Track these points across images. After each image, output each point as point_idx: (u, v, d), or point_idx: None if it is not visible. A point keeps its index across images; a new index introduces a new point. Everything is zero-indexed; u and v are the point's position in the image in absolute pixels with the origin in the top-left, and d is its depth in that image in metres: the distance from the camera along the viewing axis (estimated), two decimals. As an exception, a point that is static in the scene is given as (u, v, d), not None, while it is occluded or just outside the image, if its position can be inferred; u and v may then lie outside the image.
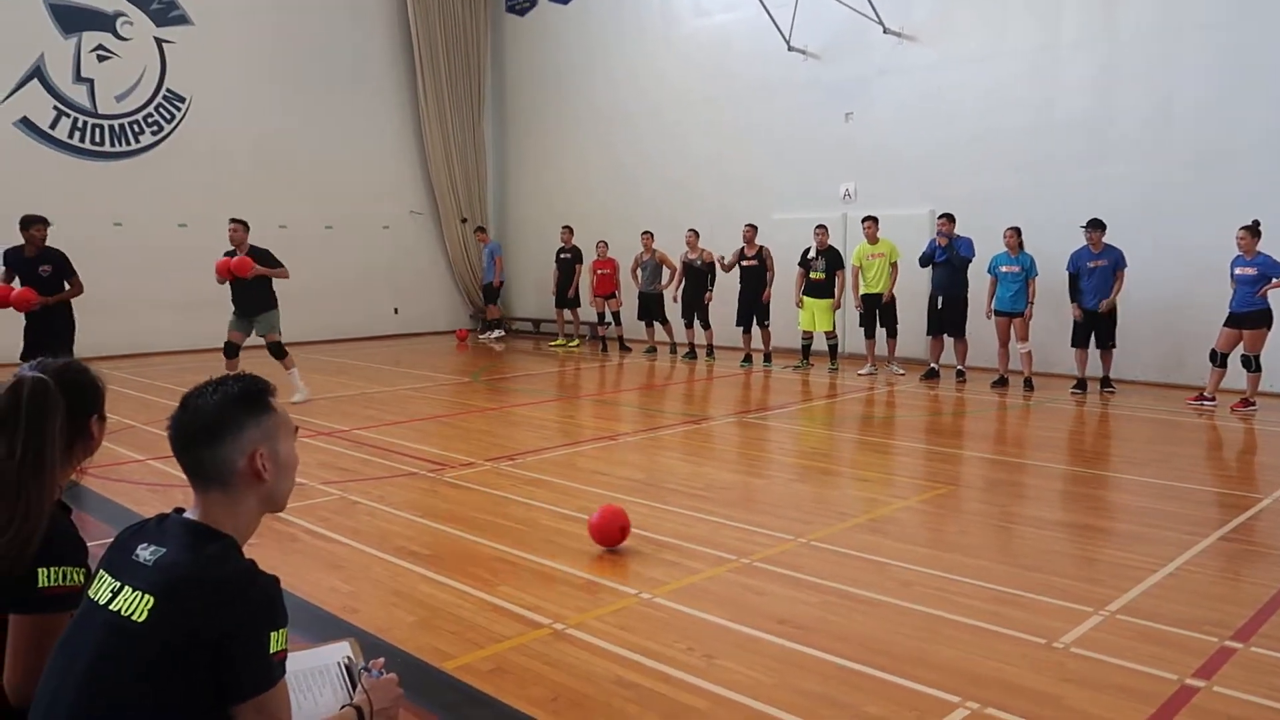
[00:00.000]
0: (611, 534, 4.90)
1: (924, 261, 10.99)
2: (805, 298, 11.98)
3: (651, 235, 13.78)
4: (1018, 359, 10.48)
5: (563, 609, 4.12)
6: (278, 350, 9.72)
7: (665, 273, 13.71)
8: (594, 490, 6.16)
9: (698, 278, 13.07)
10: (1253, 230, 8.82)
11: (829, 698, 3.29)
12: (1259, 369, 8.96)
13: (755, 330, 12.60)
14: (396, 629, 3.93)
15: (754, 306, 12.53)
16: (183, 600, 1.66)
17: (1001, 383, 10.50)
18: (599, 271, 14.59)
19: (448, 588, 4.42)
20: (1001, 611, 4.08)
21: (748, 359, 12.64)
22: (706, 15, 14.76)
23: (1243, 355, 8.99)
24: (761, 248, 12.49)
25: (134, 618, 1.66)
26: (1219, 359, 9.12)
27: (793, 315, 12.35)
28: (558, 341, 15.27)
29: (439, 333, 17.46)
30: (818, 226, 11.95)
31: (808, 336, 12.14)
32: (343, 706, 1.96)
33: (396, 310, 17.24)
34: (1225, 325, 9.04)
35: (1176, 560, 4.75)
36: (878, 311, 11.51)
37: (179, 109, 14.52)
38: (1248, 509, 5.70)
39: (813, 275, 11.86)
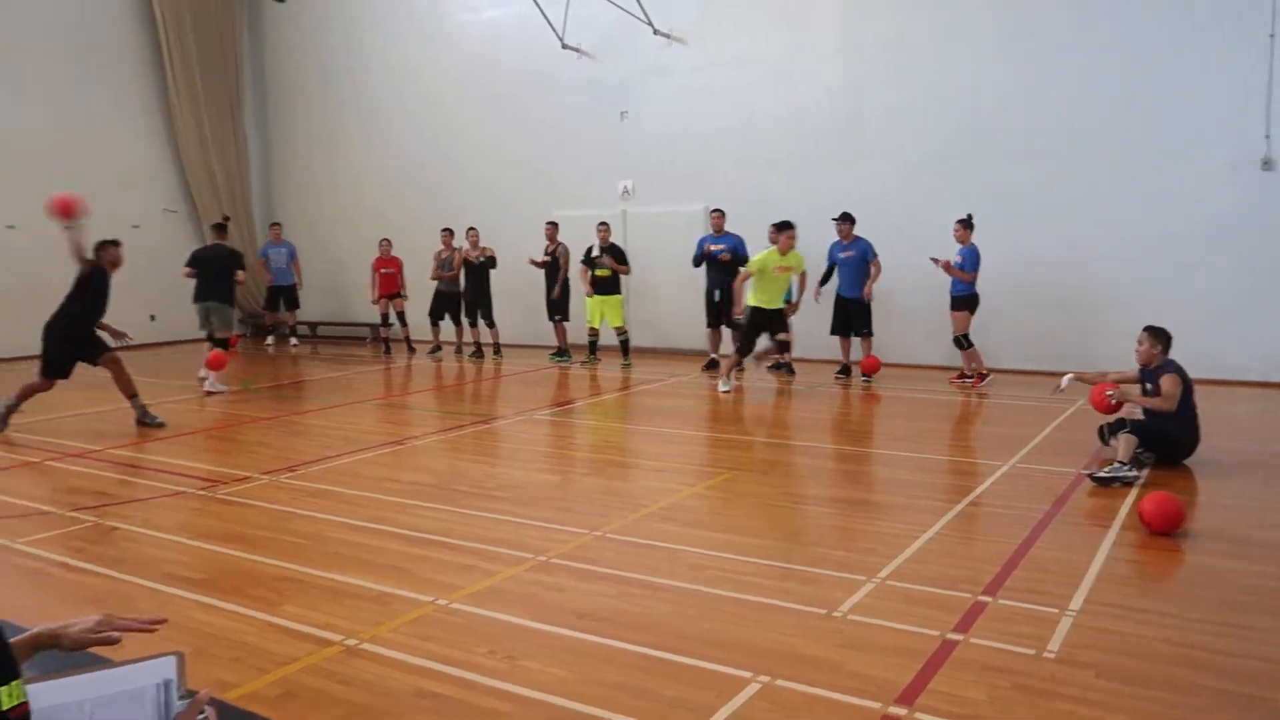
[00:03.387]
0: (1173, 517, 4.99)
1: (697, 262, 11.47)
2: (595, 295, 12.07)
3: (451, 232, 13.41)
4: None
5: (355, 624, 3.96)
6: None
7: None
8: (382, 498, 5.96)
9: (480, 275, 12.92)
10: (965, 223, 9.95)
11: (630, 686, 3.36)
12: (969, 345, 10.08)
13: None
14: (169, 663, 3.62)
15: (553, 302, 12.56)
16: None
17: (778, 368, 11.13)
18: (383, 270, 14.06)
19: (225, 612, 4.13)
20: (785, 586, 4.32)
21: (559, 353, 12.68)
22: (474, 10, 14.58)
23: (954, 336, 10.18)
24: (559, 244, 12.51)
25: None
26: (956, 340, 10.16)
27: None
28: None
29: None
30: (600, 224, 12.12)
31: (594, 333, 12.30)
32: None
33: (153, 317, 15.83)
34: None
35: (934, 526, 5.22)
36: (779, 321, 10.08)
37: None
38: (990, 475, 6.34)
39: (598, 272, 12.00)
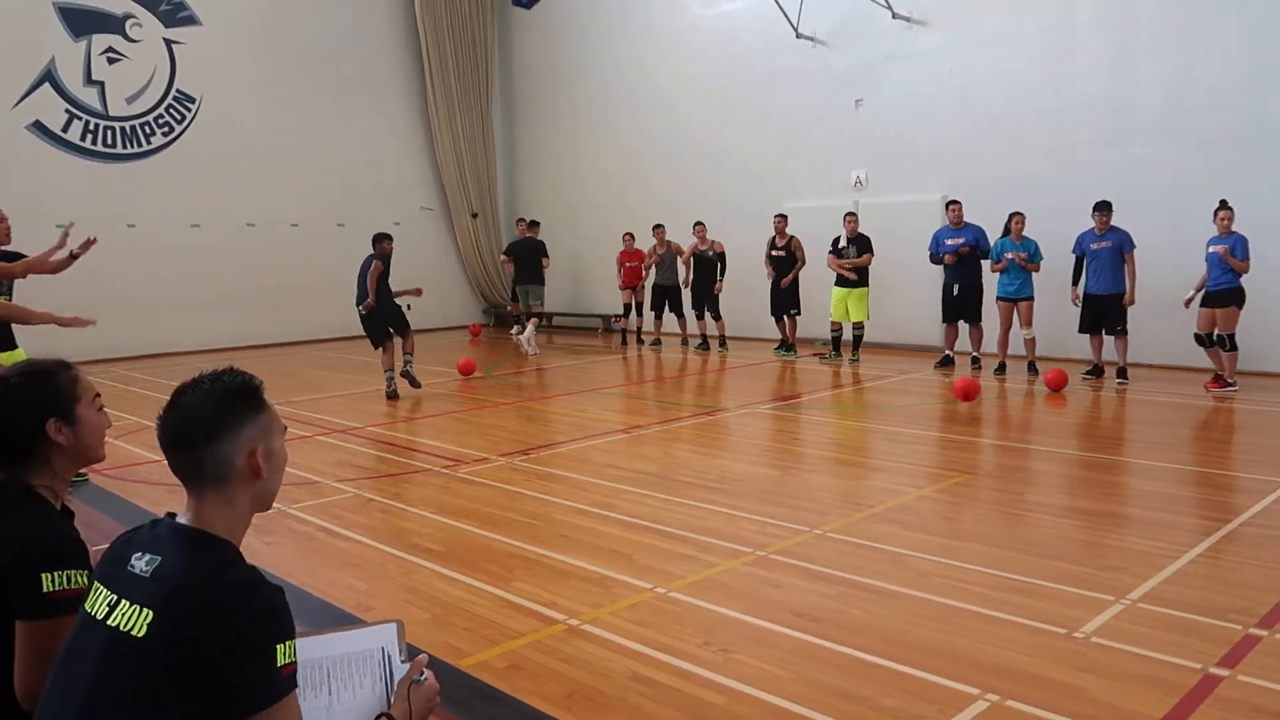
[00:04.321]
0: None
1: (935, 259, 10.91)
2: (837, 288, 11.69)
3: (664, 228, 13.68)
4: (1021, 344, 10.38)
5: (578, 604, 4.11)
6: None
7: (681, 266, 13.61)
8: (608, 484, 6.15)
9: (707, 269, 13.01)
10: (1226, 207, 8.81)
11: (845, 691, 3.26)
12: (1233, 348, 8.90)
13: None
14: (411, 626, 3.91)
15: (785, 296, 12.44)
16: (184, 614, 1.59)
17: (1001, 369, 10.41)
18: (628, 264, 14.48)
19: (462, 584, 4.41)
20: (1020, 601, 4.03)
21: (784, 346, 12.57)
22: (713, 4, 14.67)
23: (1216, 334, 8.95)
24: (791, 238, 12.38)
25: (133, 633, 1.60)
26: (1203, 340, 9.05)
27: (822, 303, 12.15)
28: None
29: (452, 328, 17.46)
30: (848, 214, 11.75)
31: (837, 328, 11.96)
32: (379, 716, 1.86)
33: (409, 306, 17.20)
34: (1200, 305, 9.07)
35: (1198, 546, 4.69)
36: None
37: (189, 110, 14.54)
38: (1269, 493, 5.62)
39: (844, 264, 11.62)
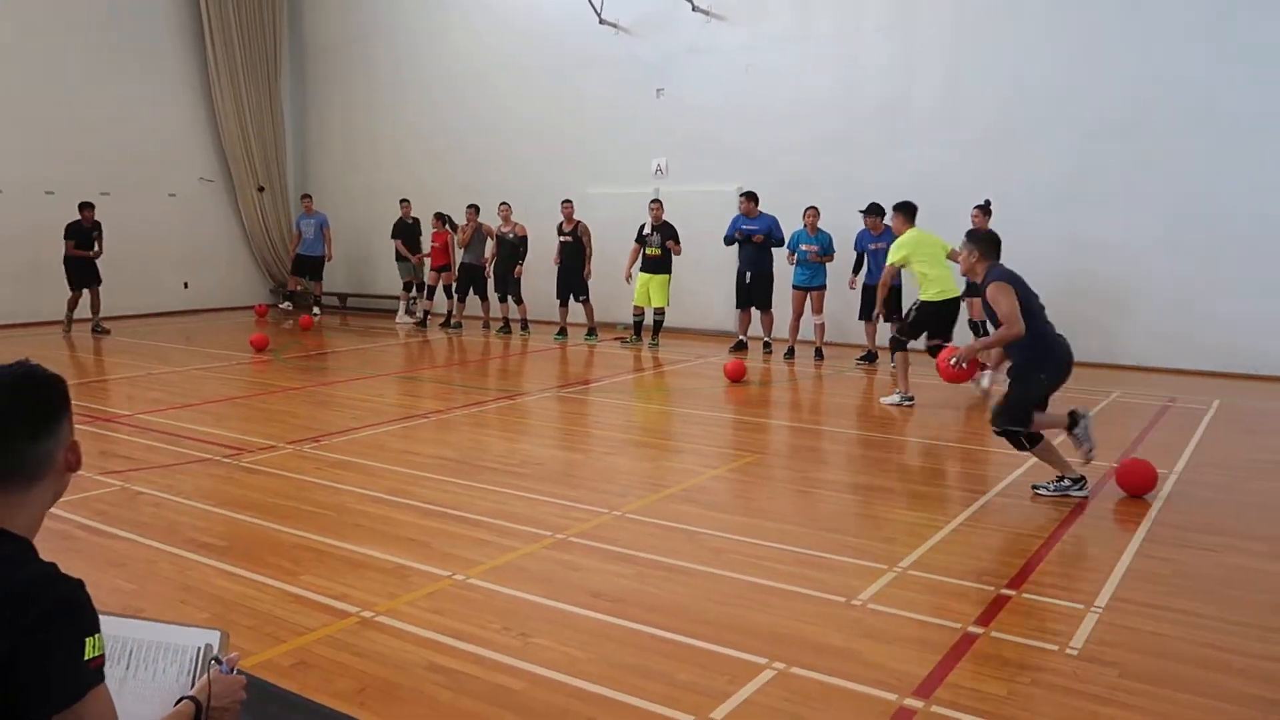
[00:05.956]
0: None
1: (729, 241, 11.31)
2: (641, 273, 11.88)
3: (476, 208, 13.39)
4: (811, 330, 10.98)
5: (371, 595, 3.96)
6: None
7: (490, 246, 13.34)
8: (404, 471, 5.97)
9: (510, 251, 12.89)
10: (984, 209, 9.54)
11: (643, 668, 3.33)
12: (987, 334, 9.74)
13: (572, 305, 12.57)
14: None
15: (572, 282, 12.48)
16: None
17: (791, 354, 10.99)
18: (435, 244, 14.04)
19: (245, 580, 4.15)
20: (805, 573, 4.26)
21: (562, 332, 12.62)
22: (516, -18, 14.51)
23: (974, 322, 9.65)
24: (578, 223, 12.44)
25: None
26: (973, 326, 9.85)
27: (624, 289, 12.29)
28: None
29: (237, 308, 16.40)
30: (653, 201, 11.93)
31: (639, 312, 12.13)
32: (180, 699, 1.81)
33: (186, 284, 16.02)
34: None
35: (959, 517, 5.13)
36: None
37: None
38: (1018, 467, 6.22)
39: (649, 251, 11.78)
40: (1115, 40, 10.24)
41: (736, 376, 9.36)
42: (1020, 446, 5.52)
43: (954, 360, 5.87)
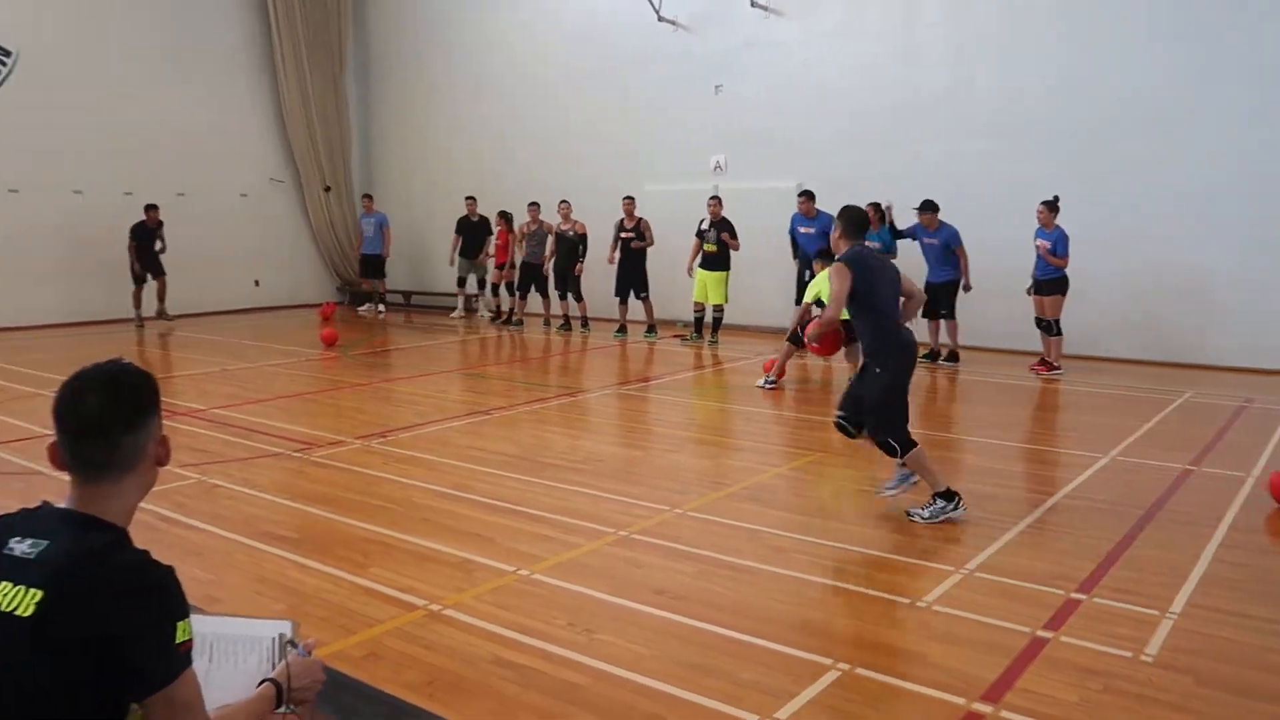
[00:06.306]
0: None
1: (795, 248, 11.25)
2: (699, 269, 11.83)
3: (538, 206, 13.52)
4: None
5: (439, 589, 4.04)
6: None
7: (550, 243, 13.44)
8: (469, 466, 6.06)
9: (569, 249, 12.97)
10: (1050, 206, 9.41)
11: (706, 666, 3.34)
12: (1059, 333, 9.61)
13: (632, 302, 12.60)
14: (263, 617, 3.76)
15: (632, 279, 12.51)
16: (76, 594, 1.58)
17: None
18: (499, 242, 14.25)
19: (317, 572, 4.26)
20: (870, 574, 4.24)
21: (622, 329, 12.66)
22: (576, -18, 14.58)
23: (1043, 320, 9.66)
24: (640, 219, 12.46)
25: (18, 612, 1.57)
26: (1042, 325, 9.73)
27: (681, 287, 12.28)
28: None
29: (304, 306, 16.77)
30: (711, 198, 11.88)
31: (699, 308, 12.11)
32: (262, 681, 1.92)
33: (257, 283, 16.44)
34: (1033, 293, 9.74)
35: (1027, 518, 5.04)
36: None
37: (3, 65, 13.33)
38: (1088, 468, 6.09)
39: (707, 247, 11.75)
40: (1192, 29, 9.91)
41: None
42: (891, 453, 5.08)
43: (807, 338, 5.95)
